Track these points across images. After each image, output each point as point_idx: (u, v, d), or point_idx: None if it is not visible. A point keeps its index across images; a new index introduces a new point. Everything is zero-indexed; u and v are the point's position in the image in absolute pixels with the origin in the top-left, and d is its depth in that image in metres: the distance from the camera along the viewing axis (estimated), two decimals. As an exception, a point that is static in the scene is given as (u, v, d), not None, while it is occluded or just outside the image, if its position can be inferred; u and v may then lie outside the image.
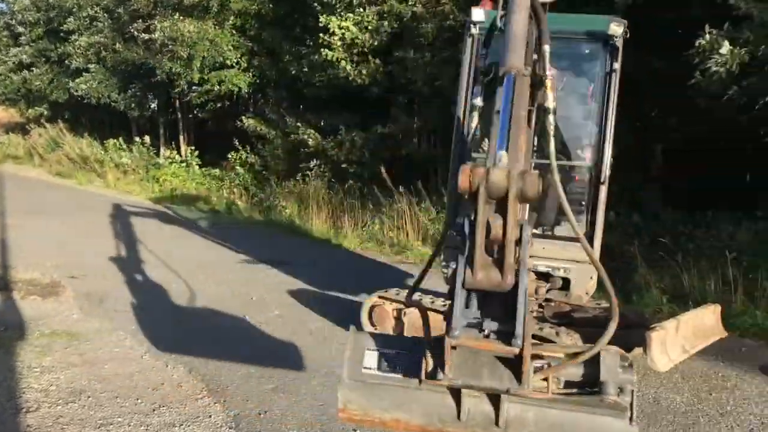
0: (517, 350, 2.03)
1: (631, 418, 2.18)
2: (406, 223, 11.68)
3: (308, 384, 4.95)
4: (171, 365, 5.26)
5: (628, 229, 9.82)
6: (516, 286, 2.11)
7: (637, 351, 5.62)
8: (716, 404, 5.03)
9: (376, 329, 5.94)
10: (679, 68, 7.70)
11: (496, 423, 2.22)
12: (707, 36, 6.70)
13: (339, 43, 13.01)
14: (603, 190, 5.68)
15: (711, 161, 11.14)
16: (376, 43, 13.06)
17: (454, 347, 2.11)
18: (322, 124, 14.89)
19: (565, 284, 5.64)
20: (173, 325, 6.33)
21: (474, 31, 5.44)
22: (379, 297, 5.97)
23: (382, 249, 11.53)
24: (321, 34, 13.12)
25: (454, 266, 2.13)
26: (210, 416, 4.39)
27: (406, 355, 2.39)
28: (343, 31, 12.90)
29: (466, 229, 2.16)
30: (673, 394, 5.19)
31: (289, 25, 15.76)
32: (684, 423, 4.63)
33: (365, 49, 13.18)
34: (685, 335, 4.97)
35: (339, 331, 6.33)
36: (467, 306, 2.17)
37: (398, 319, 5.79)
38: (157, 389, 4.80)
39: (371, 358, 2.40)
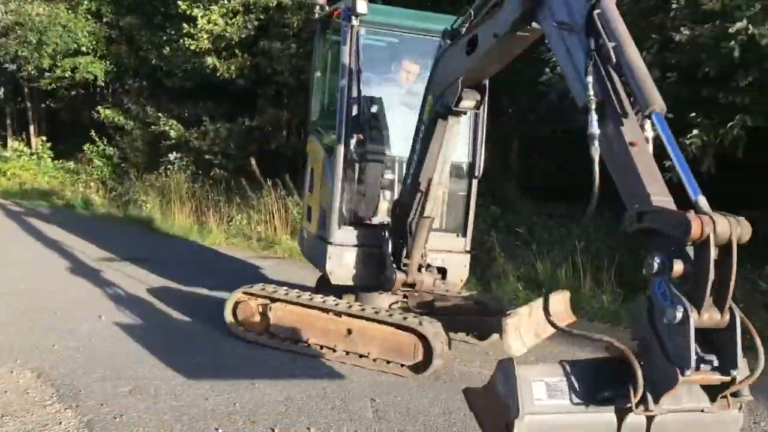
0: (735, 376, 2.35)
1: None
2: (274, 218, 11.57)
3: (168, 384, 4.78)
4: (16, 372, 4.90)
5: (487, 220, 10.24)
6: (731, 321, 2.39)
7: (494, 337, 5.90)
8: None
9: (240, 327, 5.84)
10: (534, 65, 8.11)
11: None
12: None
13: (205, 36, 12.64)
14: (475, 185, 6.13)
15: (565, 155, 11.84)
16: (243, 36, 12.81)
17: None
18: (185, 114, 14.41)
19: (443, 274, 5.96)
20: (18, 330, 5.90)
21: (355, 23, 5.51)
22: (244, 293, 5.86)
23: (249, 244, 11.35)
24: (184, 24, 12.69)
25: (680, 310, 2.32)
26: (60, 423, 4.13)
27: (567, 382, 2.49)
28: (211, 25, 12.55)
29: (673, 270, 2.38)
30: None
31: (148, 12, 15.11)
32: (536, 403, 4.88)
33: (232, 42, 12.90)
34: (537, 321, 5.22)
35: (203, 328, 6.17)
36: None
37: (264, 315, 5.72)
38: (0, 398, 4.46)
39: (539, 388, 2.44)
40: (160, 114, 14.21)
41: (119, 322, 6.23)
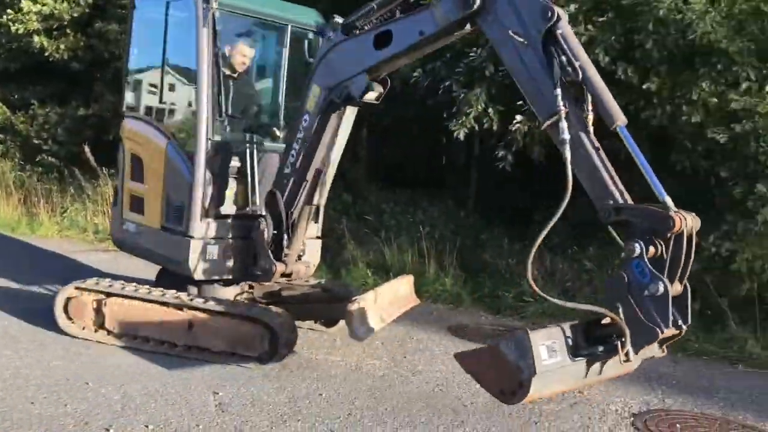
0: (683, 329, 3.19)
1: None
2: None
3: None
4: None
5: (338, 207, 10.30)
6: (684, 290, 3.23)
7: (342, 323, 5.95)
8: (410, 365, 5.52)
9: (73, 324, 5.49)
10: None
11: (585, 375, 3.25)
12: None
13: (34, 17, 11.71)
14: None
15: (408, 143, 12.17)
16: (75, 15, 11.98)
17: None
18: (12, 97, 13.29)
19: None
20: None
21: (214, 4, 5.27)
22: (76, 288, 5.51)
23: (85, 236, 10.70)
24: (9, 10, 11.73)
25: (661, 285, 3.09)
26: None
27: (562, 343, 3.12)
28: (38, 5, 11.63)
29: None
30: (374, 360, 5.58)
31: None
32: (381, 386, 5.00)
33: (64, 22, 12.02)
34: (382, 305, 5.33)
35: (31, 329, 5.72)
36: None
37: (98, 311, 5.41)
38: None
39: (543, 351, 3.03)
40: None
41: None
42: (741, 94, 6.32)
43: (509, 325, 7.07)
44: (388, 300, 5.42)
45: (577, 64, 3.43)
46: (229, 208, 5.56)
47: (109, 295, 5.43)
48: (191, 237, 5.40)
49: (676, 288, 3.14)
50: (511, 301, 7.56)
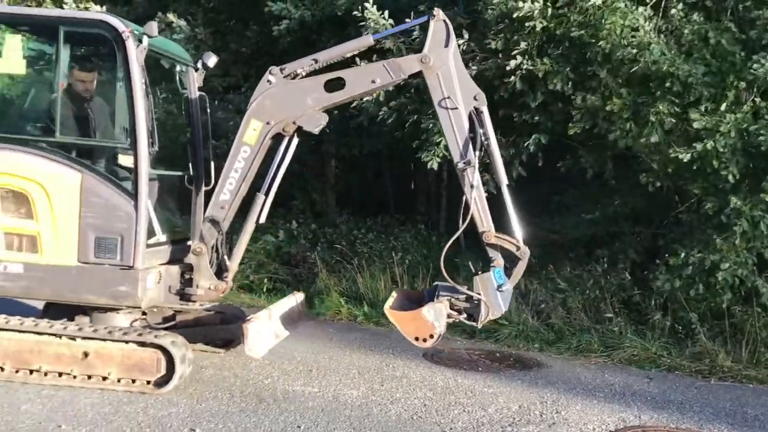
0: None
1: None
2: None
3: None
4: None
5: (308, 236, 10.30)
6: None
7: (237, 344, 6.11)
8: (387, 394, 5.51)
9: None
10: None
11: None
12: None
13: None
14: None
15: (373, 173, 12.27)
16: None
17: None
18: None
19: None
20: None
21: (145, 43, 5.35)
22: None
23: None
24: None
25: (508, 284, 5.15)
26: None
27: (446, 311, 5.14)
28: None
29: None
30: (351, 390, 5.56)
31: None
32: (359, 415, 4.98)
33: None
34: (275, 323, 5.55)
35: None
36: None
37: None
38: None
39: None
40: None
41: None
42: (701, 113, 6.51)
43: (485, 350, 7.10)
44: (280, 317, 5.65)
45: (491, 136, 5.08)
46: (160, 235, 5.62)
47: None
48: (136, 268, 5.35)
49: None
50: (485, 325, 7.57)
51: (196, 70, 6.37)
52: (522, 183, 7.73)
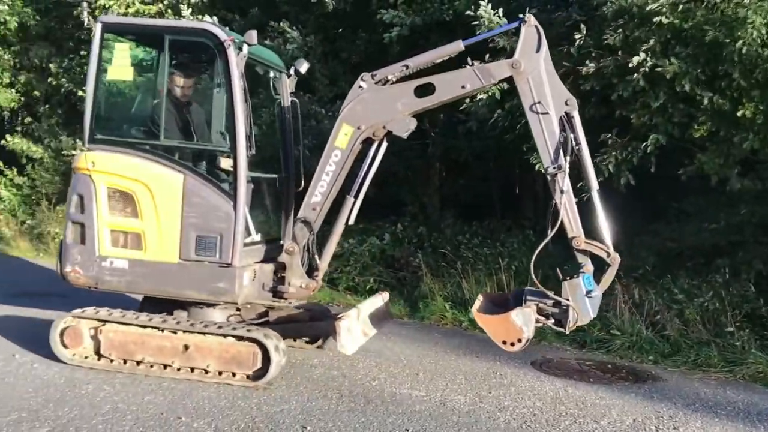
0: None
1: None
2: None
3: (89, 423, 4.57)
4: None
5: (413, 240, 10.32)
6: None
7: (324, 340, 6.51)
8: (495, 401, 5.43)
9: (68, 350, 5.75)
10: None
11: None
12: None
13: None
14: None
15: (486, 175, 12.11)
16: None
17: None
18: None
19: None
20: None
21: (245, 51, 5.63)
22: (74, 317, 5.72)
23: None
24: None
25: (598, 290, 5.20)
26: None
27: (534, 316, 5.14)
28: None
29: None
30: (458, 395, 5.52)
31: (59, 38, 14.64)
32: (467, 422, 4.93)
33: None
34: (364, 321, 5.70)
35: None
36: None
37: (95, 338, 5.68)
38: None
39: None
40: (74, 141, 13.66)
41: (35, 361, 5.93)
42: None
43: (596, 360, 6.87)
44: (368, 316, 5.82)
45: (581, 140, 5.11)
46: (254, 235, 5.90)
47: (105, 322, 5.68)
48: (233, 265, 5.57)
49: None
50: (597, 335, 7.35)
51: (289, 76, 6.60)
52: (632, 190, 7.48)
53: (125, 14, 11.39)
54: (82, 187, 5.79)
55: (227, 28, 6.30)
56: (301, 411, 4.97)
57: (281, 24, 10.12)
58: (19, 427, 4.47)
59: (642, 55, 6.75)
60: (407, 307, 8.88)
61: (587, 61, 7.17)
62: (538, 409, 5.28)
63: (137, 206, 5.71)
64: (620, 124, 7.42)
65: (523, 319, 4.98)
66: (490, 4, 7.44)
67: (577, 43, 7.24)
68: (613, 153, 7.22)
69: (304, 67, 6.49)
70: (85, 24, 5.85)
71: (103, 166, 5.77)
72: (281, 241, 6.13)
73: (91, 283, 5.83)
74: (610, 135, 7.33)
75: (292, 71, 6.54)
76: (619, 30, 7.02)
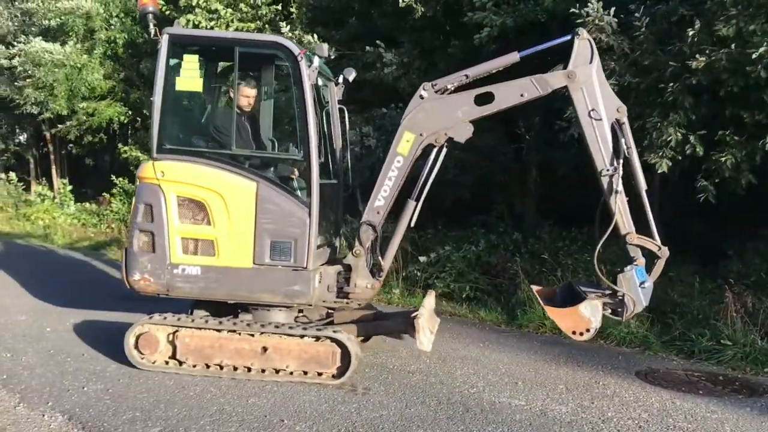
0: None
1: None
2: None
3: (198, 424, 4.77)
4: (48, 415, 4.92)
5: (509, 246, 10.18)
6: None
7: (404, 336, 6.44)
8: (598, 412, 5.28)
9: (143, 357, 5.91)
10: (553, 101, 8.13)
11: None
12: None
13: None
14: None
15: (583, 181, 11.78)
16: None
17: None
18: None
19: None
20: (48, 372, 5.92)
21: (316, 62, 5.86)
22: (146, 323, 5.88)
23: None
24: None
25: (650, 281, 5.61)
26: (92, 466, 4.13)
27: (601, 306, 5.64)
28: None
29: None
30: (559, 405, 5.40)
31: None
32: (570, 432, 4.82)
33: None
34: (430, 319, 5.95)
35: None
36: None
37: (172, 343, 5.85)
38: (32, 443, 4.47)
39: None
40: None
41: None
42: None
43: (706, 371, 6.55)
44: (431, 314, 6.19)
45: (632, 146, 5.53)
46: (321, 239, 6.08)
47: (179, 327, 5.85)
48: (308, 269, 5.76)
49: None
50: (705, 345, 7.01)
51: (336, 84, 6.84)
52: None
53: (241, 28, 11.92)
54: (151, 196, 5.86)
55: (326, 42, 6.49)
56: (400, 417, 5.00)
57: (377, 49, 10.22)
58: (133, 426, 4.72)
59: (766, 46, 6.40)
60: (504, 314, 8.76)
61: (697, 55, 6.87)
62: (644, 421, 5.10)
63: (209, 214, 5.84)
64: (731, 122, 7.06)
65: (591, 311, 5.47)
66: (601, 2, 7.33)
67: (688, 39, 6.97)
68: (732, 151, 6.89)
69: (351, 75, 6.76)
70: (152, 35, 5.99)
71: (173, 176, 5.86)
72: (335, 244, 6.55)
73: (162, 290, 5.90)
74: (727, 132, 7.01)
75: (340, 79, 6.79)
76: (733, 20, 6.69)
